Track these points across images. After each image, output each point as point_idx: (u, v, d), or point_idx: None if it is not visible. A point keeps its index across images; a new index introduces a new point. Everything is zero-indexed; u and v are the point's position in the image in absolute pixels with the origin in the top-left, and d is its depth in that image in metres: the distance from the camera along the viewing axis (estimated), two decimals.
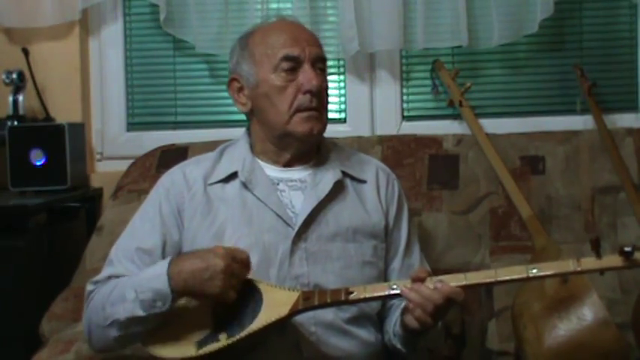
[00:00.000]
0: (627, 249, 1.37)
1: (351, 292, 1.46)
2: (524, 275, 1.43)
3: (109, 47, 2.63)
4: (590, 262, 1.41)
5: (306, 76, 1.60)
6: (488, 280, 1.46)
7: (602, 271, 1.42)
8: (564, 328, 1.68)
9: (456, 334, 1.97)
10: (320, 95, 1.63)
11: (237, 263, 1.45)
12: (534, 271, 1.43)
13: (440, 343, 1.65)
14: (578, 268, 1.41)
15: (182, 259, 1.49)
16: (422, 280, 1.44)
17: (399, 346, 1.58)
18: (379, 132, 2.53)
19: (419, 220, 2.16)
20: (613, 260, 1.39)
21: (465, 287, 1.45)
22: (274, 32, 1.64)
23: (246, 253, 1.48)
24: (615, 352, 1.65)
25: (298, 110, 1.61)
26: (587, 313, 1.67)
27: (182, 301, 1.49)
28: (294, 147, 1.65)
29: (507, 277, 1.45)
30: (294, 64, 1.61)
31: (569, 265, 1.42)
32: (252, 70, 1.64)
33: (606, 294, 1.93)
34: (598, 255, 1.40)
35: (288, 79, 1.61)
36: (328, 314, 1.55)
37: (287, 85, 1.61)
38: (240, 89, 1.67)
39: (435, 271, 1.64)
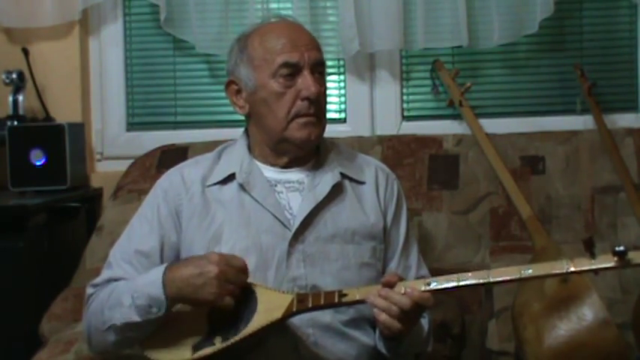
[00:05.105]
0: (619, 249, 1.35)
1: (345, 295, 1.46)
2: (516, 276, 1.42)
3: (109, 47, 2.63)
4: (583, 263, 1.39)
5: (305, 82, 1.58)
6: (480, 282, 1.44)
7: (596, 272, 1.40)
8: (564, 328, 1.68)
9: (456, 334, 1.98)
10: (318, 101, 1.61)
11: (233, 269, 1.45)
12: (529, 271, 1.41)
13: (425, 348, 1.64)
14: (571, 269, 1.39)
15: (177, 265, 1.50)
16: (391, 286, 1.44)
17: (383, 350, 1.58)
18: (379, 132, 2.53)
19: (419, 220, 2.16)
20: (606, 260, 1.38)
21: (460, 288, 1.44)
22: (273, 36, 1.61)
23: (242, 260, 1.47)
24: (615, 352, 1.65)
25: (296, 116, 1.60)
26: (587, 313, 1.67)
27: (179, 306, 1.49)
28: (292, 152, 1.64)
29: (500, 279, 1.43)
30: (293, 71, 1.58)
31: (562, 266, 1.40)
32: (251, 75, 1.62)
33: (606, 294, 1.93)
34: (592, 255, 1.38)
35: (287, 85, 1.59)
36: (326, 316, 1.55)
37: (285, 91, 1.59)
38: (239, 92, 1.65)
39: (436, 271, 1.65)
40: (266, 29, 1.64)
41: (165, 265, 1.51)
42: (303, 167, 1.66)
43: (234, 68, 1.65)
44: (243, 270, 1.47)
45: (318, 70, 1.62)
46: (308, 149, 1.65)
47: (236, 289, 1.45)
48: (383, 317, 1.43)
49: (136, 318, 1.47)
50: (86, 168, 2.55)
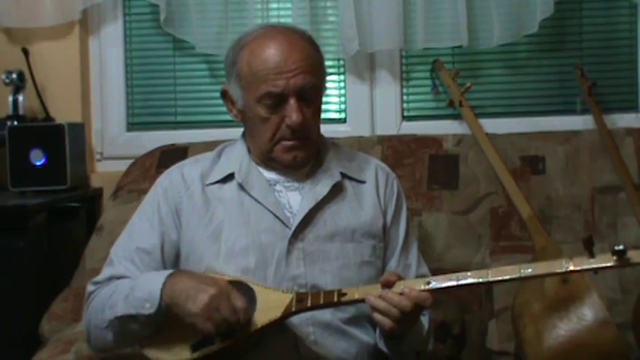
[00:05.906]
0: (619, 248, 1.35)
1: (344, 294, 1.46)
2: (516, 275, 1.42)
3: (109, 47, 2.63)
4: (582, 262, 1.39)
5: (289, 110, 1.56)
6: (479, 281, 1.43)
7: (595, 271, 1.40)
8: (564, 328, 1.68)
9: (456, 334, 1.98)
10: (303, 127, 1.58)
11: (228, 303, 1.41)
12: (528, 270, 1.41)
13: (426, 346, 1.64)
14: (571, 268, 1.39)
15: (186, 273, 1.51)
16: (390, 285, 1.44)
17: (384, 349, 1.58)
18: (379, 132, 2.53)
19: (419, 220, 2.16)
20: (605, 259, 1.37)
21: (459, 288, 1.44)
22: (260, 59, 1.57)
23: (243, 302, 1.43)
24: (615, 352, 1.65)
25: (281, 139, 1.59)
26: (587, 313, 1.67)
27: None
28: (281, 169, 1.65)
29: (499, 278, 1.43)
30: (276, 100, 1.57)
31: (561, 265, 1.40)
32: (239, 94, 1.61)
33: (606, 294, 1.93)
34: (591, 254, 1.38)
35: (272, 112, 1.58)
36: (326, 314, 1.55)
37: (270, 116, 1.58)
38: (232, 102, 1.66)
39: (435, 271, 1.65)
40: (256, 44, 1.60)
41: (179, 269, 1.53)
42: (302, 167, 1.66)
43: (228, 78, 1.65)
44: (236, 311, 1.42)
45: (307, 94, 1.59)
46: (296, 169, 1.65)
47: (221, 323, 1.41)
48: (382, 319, 1.43)
49: (131, 310, 1.47)
50: (86, 168, 2.55)
